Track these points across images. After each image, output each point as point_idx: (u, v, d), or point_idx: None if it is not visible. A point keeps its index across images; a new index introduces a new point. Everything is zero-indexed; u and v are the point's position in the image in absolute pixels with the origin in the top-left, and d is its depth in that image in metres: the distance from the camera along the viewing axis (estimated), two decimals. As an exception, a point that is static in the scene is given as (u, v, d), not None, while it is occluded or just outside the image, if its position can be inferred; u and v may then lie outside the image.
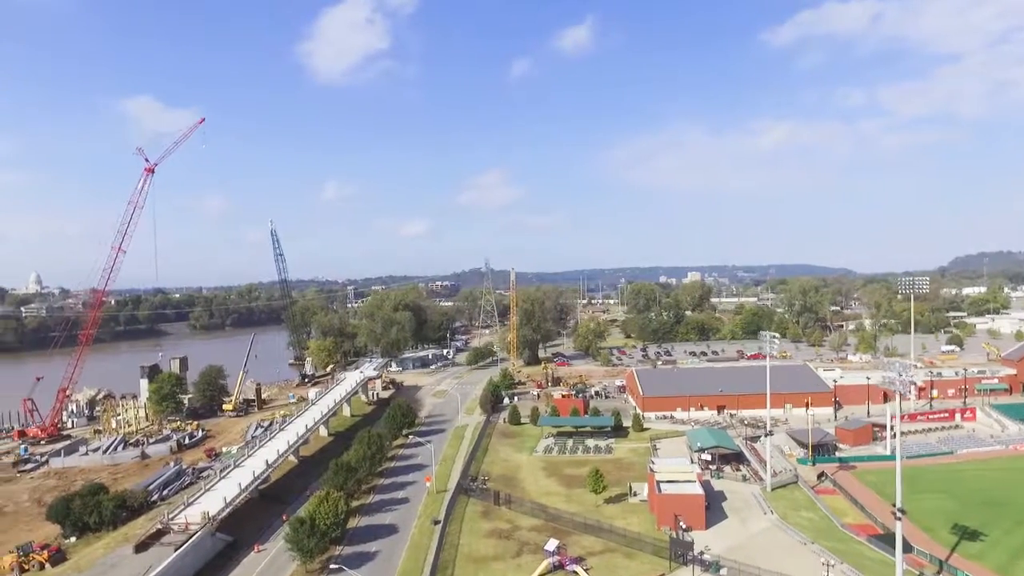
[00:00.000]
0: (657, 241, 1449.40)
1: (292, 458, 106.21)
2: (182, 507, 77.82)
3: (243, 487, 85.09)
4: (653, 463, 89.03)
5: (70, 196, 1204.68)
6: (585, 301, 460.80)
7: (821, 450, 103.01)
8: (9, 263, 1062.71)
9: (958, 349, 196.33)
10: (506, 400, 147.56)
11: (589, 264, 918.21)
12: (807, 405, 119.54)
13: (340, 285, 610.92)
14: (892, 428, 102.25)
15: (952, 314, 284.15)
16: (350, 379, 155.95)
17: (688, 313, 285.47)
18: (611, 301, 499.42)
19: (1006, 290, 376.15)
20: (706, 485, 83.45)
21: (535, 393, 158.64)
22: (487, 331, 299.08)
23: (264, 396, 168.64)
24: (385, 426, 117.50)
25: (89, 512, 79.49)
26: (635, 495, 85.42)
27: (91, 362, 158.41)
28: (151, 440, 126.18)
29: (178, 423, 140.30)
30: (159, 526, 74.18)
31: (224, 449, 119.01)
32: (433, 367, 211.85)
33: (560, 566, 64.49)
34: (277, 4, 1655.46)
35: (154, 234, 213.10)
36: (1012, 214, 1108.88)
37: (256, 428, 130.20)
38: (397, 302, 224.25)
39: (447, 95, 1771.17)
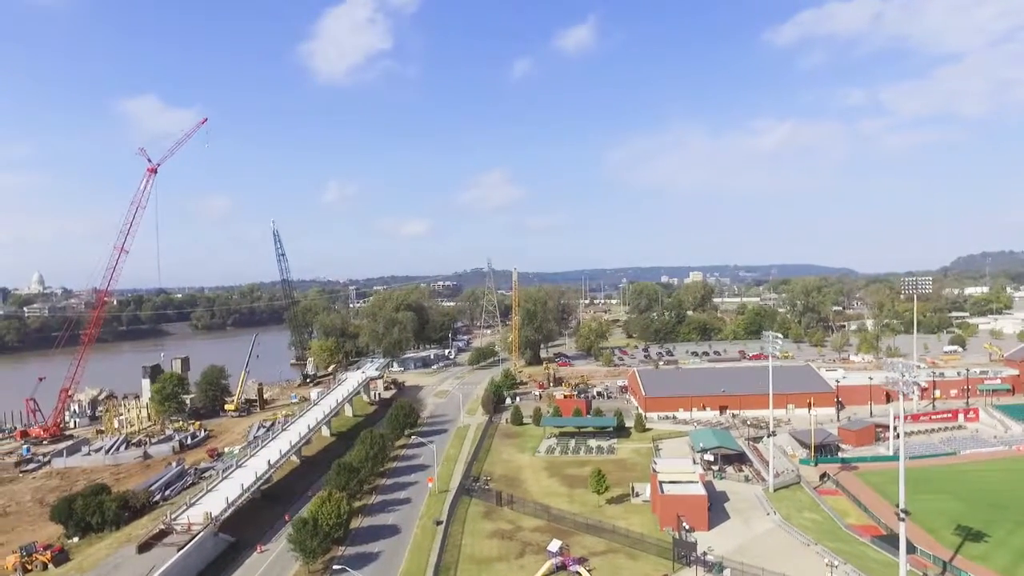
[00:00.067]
0: (658, 241, 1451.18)
1: (294, 458, 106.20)
2: (185, 507, 77.73)
3: (245, 487, 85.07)
4: (655, 463, 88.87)
5: (72, 196, 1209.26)
6: (587, 301, 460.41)
7: (824, 451, 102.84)
8: (11, 263, 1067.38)
9: (960, 349, 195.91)
10: (508, 400, 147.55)
11: (591, 264, 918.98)
12: (810, 405, 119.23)
13: (342, 285, 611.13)
14: (895, 428, 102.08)
15: (954, 314, 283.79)
16: (352, 379, 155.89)
17: (690, 313, 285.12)
18: (613, 301, 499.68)
19: (1008, 290, 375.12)
20: (709, 486, 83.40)
21: (537, 393, 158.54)
22: (489, 331, 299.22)
23: (266, 396, 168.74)
24: (387, 426, 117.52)
25: (92, 512, 79.60)
26: (638, 496, 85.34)
27: (93, 362, 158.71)
28: (153, 440, 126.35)
29: (180, 423, 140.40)
30: (162, 526, 74.12)
31: (226, 449, 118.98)
32: (435, 367, 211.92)
33: (563, 567, 64.38)
34: (279, 4, 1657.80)
35: (156, 234, 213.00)
36: (1015, 214, 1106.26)
37: (258, 428, 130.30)
38: (399, 302, 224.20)
39: (448, 95, 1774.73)
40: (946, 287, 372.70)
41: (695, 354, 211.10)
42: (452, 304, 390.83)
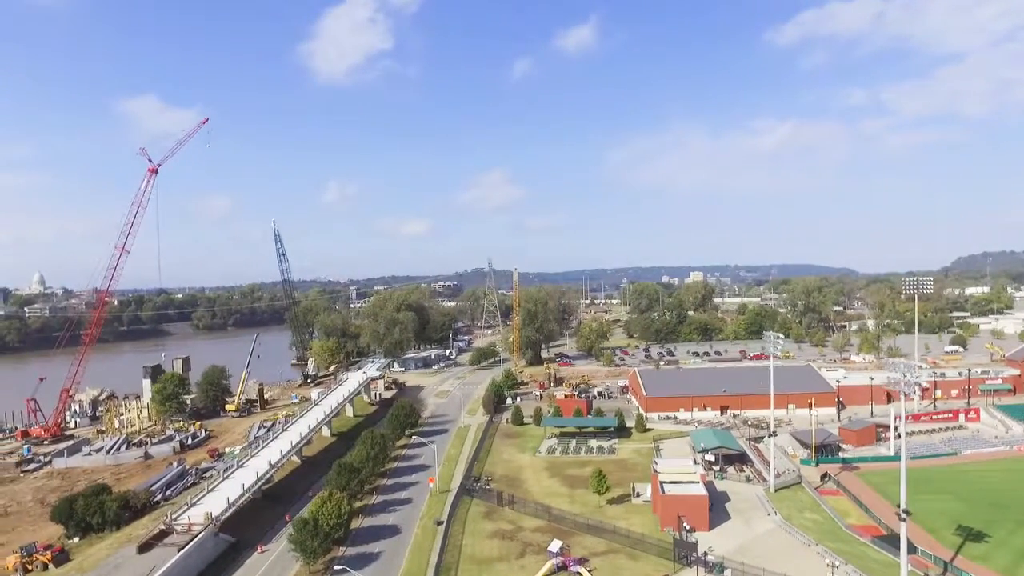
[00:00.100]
0: (659, 241, 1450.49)
1: (295, 458, 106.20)
2: (185, 507, 77.73)
3: (246, 487, 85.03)
4: (656, 464, 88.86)
5: (72, 196, 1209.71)
6: (587, 301, 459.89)
7: (825, 451, 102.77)
8: (12, 263, 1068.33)
9: (961, 349, 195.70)
10: (509, 400, 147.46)
11: (591, 264, 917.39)
12: (810, 406, 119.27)
13: (342, 285, 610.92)
14: (896, 429, 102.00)
15: (955, 314, 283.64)
16: (353, 379, 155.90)
17: (691, 313, 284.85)
18: (613, 301, 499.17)
19: (1009, 290, 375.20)
20: (709, 486, 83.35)
21: (538, 393, 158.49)
22: (490, 331, 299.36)
23: (267, 396, 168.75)
24: (388, 426, 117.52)
25: (92, 512, 79.62)
26: (638, 496, 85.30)
27: (94, 362, 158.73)
28: (154, 440, 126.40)
29: (181, 423, 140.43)
30: (162, 527, 74.13)
31: (227, 449, 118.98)
32: (436, 367, 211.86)
33: (563, 567, 64.37)
34: (279, 4, 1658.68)
35: (157, 234, 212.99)
36: (1015, 214, 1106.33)
37: (259, 428, 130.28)
38: (400, 302, 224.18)
39: (448, 95, 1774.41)
40: (947, 287, 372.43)
41: (696, 354, 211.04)
42: (453, 304, 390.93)
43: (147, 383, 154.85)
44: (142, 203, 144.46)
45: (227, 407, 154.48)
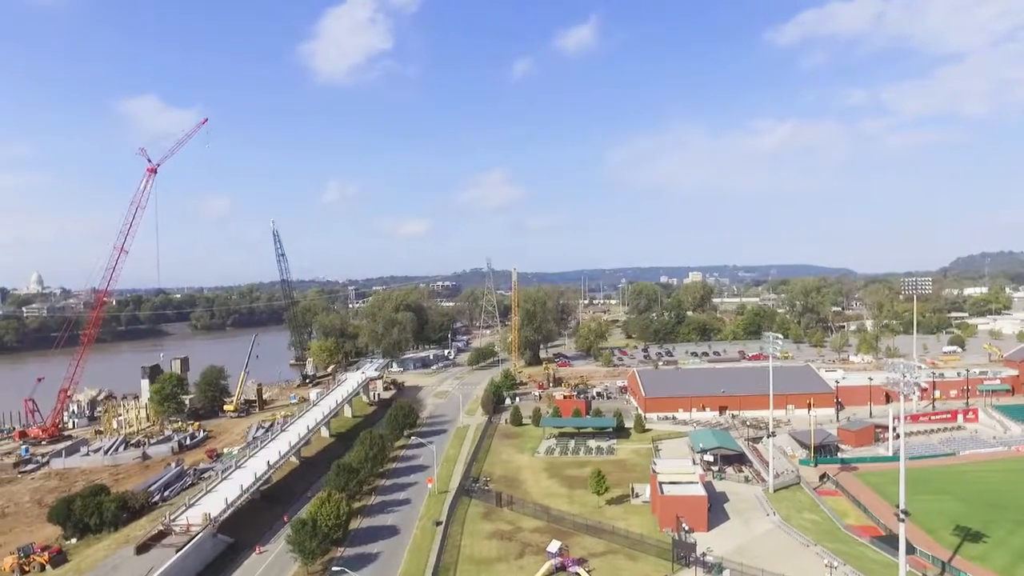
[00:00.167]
0: (658, 241, 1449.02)
1: (293, 459, 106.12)
2: (183, 508, 77.62)
3: (244, 488, 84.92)
4: (655, 464, 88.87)
5: (72, 196, 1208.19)
6: (586, 301, 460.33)
7: (823, 451, 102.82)
8: (11, 263, 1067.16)
9: (960, 350, 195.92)
10: (508, 401, 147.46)
11: (590, 264, 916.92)
12: (809, 406, 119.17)
13: (341, 285, 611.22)
14: (894, 429, 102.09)
15: (954, 315, 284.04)
16: (351, 380, 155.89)
17: (689, 313, 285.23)
18: (612, 301, 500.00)
19: (1008, 291, 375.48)
20: (708, 486, 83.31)
21: (537, 394, 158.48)
22: (488, 331, 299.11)
23: (265, 397, 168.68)
24: (386, 427, 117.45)
25: (90, 513, 79.50)
26: (637, 496, 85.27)
27: (92, 362, 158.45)
28: (152, 441, 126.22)
29: (179, 424, 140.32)
30: (160, 527, 74.00)
31: (225, 450, 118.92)
32: (434, 368, 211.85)
33: (562, 568, 64.30)
34: (279, 4, 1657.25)
35: (156, 234, 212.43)
36: (1014, 214, 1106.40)
37: (257, 429, 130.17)
38: (398, 302, 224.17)
39: (448, 95, 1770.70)
40: (945, 287, 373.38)
41: (695, 354, 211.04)
42: (451, 304, 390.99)
43: (145, 383, 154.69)
44: (141, 203, 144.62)
45: (225, 407, 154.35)
